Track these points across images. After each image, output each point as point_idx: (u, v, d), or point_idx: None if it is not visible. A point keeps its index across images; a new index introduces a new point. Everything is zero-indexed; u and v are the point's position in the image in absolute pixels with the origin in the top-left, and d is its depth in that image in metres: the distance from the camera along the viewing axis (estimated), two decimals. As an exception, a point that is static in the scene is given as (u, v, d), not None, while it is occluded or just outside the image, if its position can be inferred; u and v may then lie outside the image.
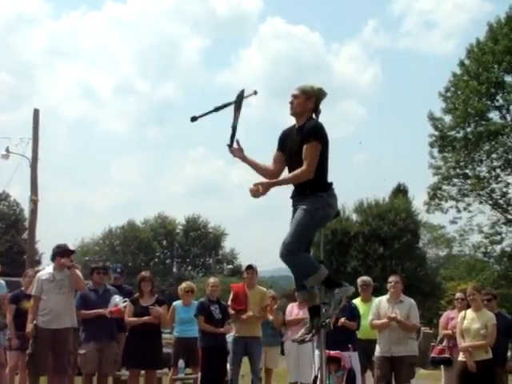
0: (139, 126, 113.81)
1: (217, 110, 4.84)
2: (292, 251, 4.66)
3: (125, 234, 54.87)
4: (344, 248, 31.14)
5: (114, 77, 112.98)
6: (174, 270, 57.37)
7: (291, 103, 4.97)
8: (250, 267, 8.99)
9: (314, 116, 4.96)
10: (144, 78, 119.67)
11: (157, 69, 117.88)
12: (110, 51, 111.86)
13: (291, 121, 5.07)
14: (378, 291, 9.60)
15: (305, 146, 4.73)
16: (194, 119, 4.88)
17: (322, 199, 4.76)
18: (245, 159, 4.99)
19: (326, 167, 4.92)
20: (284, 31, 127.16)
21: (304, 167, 4.72)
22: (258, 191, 4.70)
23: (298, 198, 4.88)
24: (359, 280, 9.08)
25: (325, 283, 4.83)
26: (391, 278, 8.30)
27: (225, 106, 4.86)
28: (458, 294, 8.78)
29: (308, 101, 4.92)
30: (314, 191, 4.77)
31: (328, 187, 4.89)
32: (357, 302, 8.85)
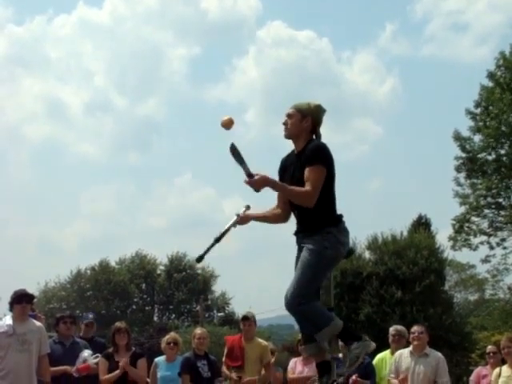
0: (116, 150, 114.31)
1: (218, 240, 4.92)
2: (299, 301, 4.65)
3: (96, 277, 54.59)
4: (355, 292, 31.01)
5: (87, 92, 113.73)
6: (155, 318, 57.01)
7: (285, 124, 5.01)
8: (246, 318, 8.93)
9: (314, 138, 5.00)
10: (122, 94, 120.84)
11: (137, 82, 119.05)
12: (81, 62, 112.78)
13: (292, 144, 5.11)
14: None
15: (306, 169, 4.76)
16: (200, 259, 4.96)
17: (331, 236, 4.77)
18: (255, 219, 5.07)
19: (334, 198, 4.93)
20: (286, 37, 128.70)
21: (307, 189, 4.72)
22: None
23: (302, 234, 4.88)
24: (392, 329, 9.01)
25: (340, 336, 4.81)
26: (414, 328, 8.27)
27: (226, 232, 4.94)
28: (490, 347, 8.76)
29: (303, 120, 4.96)
30: (321, 227, 4.77)
31: (337, 221, 4.90)
32: (385, 354, 8.80)
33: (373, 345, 4.91)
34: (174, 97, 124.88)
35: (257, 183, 4.68)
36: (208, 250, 4.91)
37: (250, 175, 4.71)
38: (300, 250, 4.88)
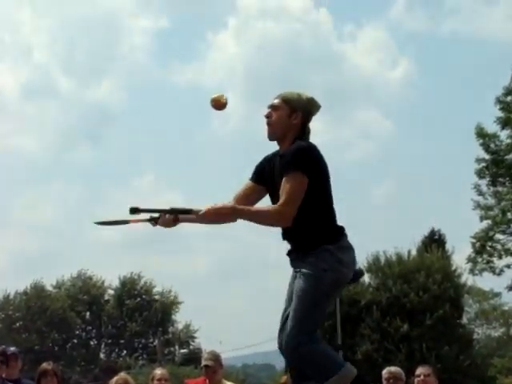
0: (60, 144, 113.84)
1: (172, 211, 4.98)
2: (299, 341, 4.65)
3: (28, 303, 54.31)
4: (352, 324, 31.11)
5: (24, 71, 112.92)
6: (102, 355, 56.80)
7: (268, 117, 4.98)
8: (207, 366, 8.90)
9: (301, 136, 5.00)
10: (68, 74, 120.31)
11: (88, 60, 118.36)
12: (17, 33, 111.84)
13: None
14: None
15: (283, 180, 4.76)
16: (134, 211, 4.96)
17: (328, 255, 4.77)
18: (185, 221, 5.04)
19: (331, 208, 4.94)
20: (275, 6, 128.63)
21: (279, 206, 4.73)
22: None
23: (295, 255, 4.88)
24: (385, 372, 9.07)
25: None
26: (420, 370, 8.33)
27: (182, 211, 4.98)
28: None
29: (292, 115, 4.94)
30: (315, 245, 4.79)
31: (336, 236, 4.89)
32: None
33: None
34: (135, 79, 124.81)
35: (206, 217, 4.73)
36: (150, 210, 4.99)
37: (187, 212, 4.80)
38: (294, 276, 4.89)
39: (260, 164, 5.11)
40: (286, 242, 5.01)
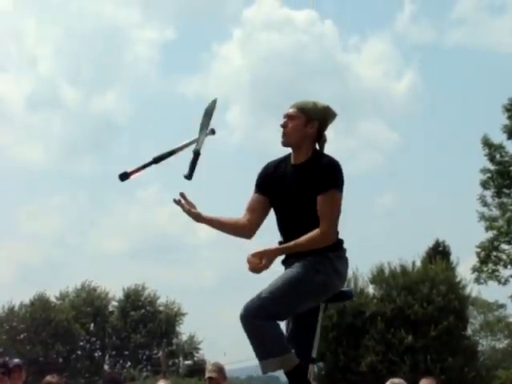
0: (65, 155, 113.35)
1: (157, 161, 5.04)
2: (259, 313, 4.61)
3: (33, 315, 54.25)
4: (356, 335, 31.02)
5: (29, 83, 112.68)
6: (106, 367, 56.66)
7: (284, 126, 4.98)
8: (210, 378, 8.89)
9: (317, 146, 5.00)
10: (74, 85, 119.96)
11: (93, 71, 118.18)
12: (22, 43, 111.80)
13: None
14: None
15: (320, 198, 4.77)
16: (124, 177, 4.99)
17: (327, 262, 4.78)
18: (200, 218, 5.01)
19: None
20: (280, 18, 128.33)
21: (324, 228, 4.74)
22: (259, 264, 4.71)
23: (293, 260, 4.87)
24: (389, 383, 9.05)
25: (289, 376, 4.76)
26: (424, 382, 8.32)
27: (169, 154, 5.08)
28: None
29: (309, 124, 4.95)
30: (316, 250, 4.78)
31: (337, 246, 4.91)
32: None
33: None
34: (140, 90, 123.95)
35: (268, 261, 4.70)
36: (140, 168, 5.02)
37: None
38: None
39: (263, 174, 5.10)
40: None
